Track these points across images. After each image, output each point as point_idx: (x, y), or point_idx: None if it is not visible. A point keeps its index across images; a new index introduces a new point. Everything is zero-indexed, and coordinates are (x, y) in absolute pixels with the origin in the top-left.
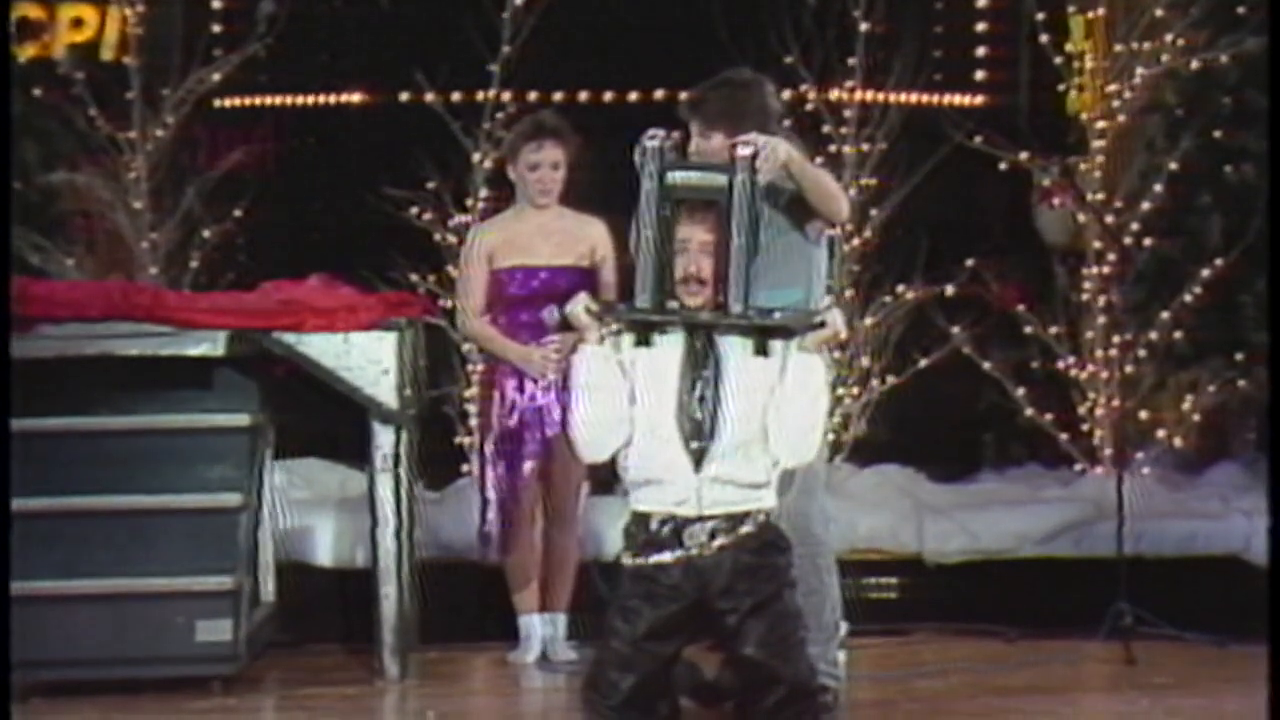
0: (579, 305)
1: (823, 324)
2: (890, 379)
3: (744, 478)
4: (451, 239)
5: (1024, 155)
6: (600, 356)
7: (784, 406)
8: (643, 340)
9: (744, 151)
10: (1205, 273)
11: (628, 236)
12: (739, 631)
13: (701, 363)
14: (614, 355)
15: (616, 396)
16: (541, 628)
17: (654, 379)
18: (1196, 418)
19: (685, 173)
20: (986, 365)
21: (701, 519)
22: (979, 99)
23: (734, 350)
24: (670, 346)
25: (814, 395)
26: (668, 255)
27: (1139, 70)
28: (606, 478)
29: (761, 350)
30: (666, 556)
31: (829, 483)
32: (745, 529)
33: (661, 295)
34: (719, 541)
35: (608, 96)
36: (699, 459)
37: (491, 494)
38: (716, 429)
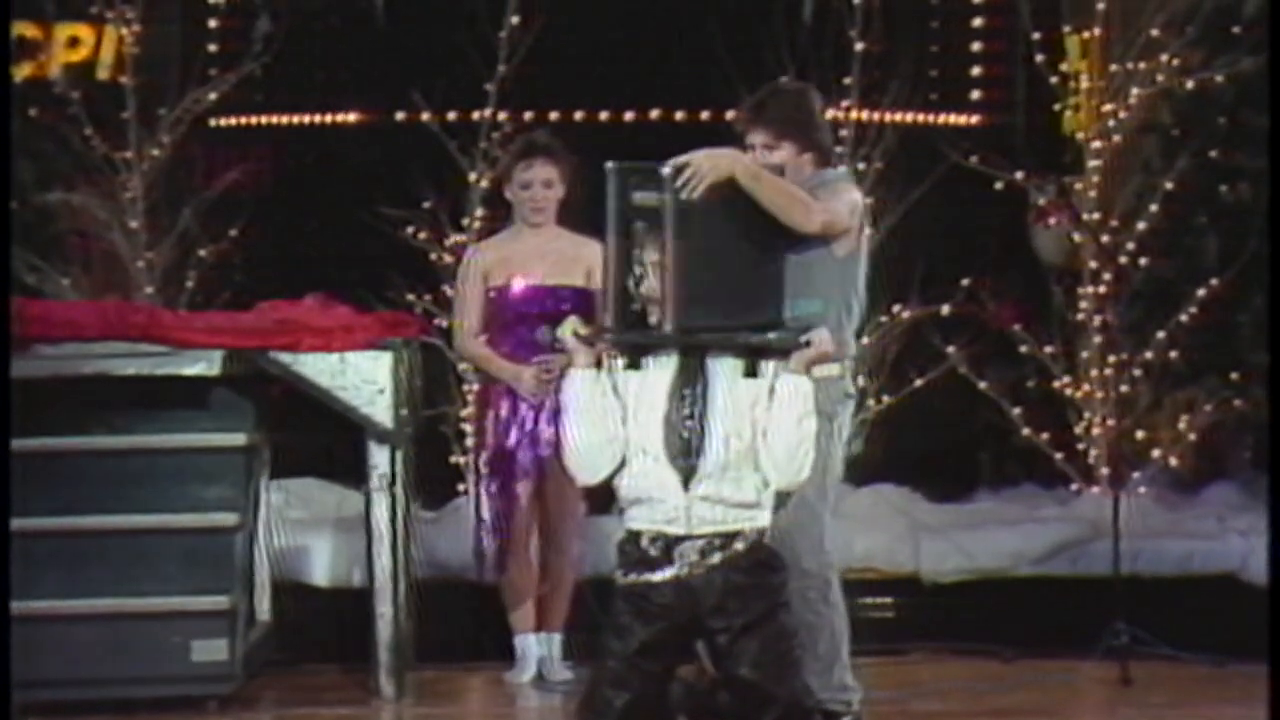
0: (566, 329)
1: (808, 344)
2: (886, 398)
3: (733, 497)
4: (448, 258)
5: (1020, 175)
6: (590, 379)
7: (770, 427)
8: (633, 363)
9: (664, 170)
10: (1201, 292)
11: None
12: (733, 651)
13: (691, 383)
14: (605, 377)
15: (607, 419)
16: (537, 647)
17: (645, 399)
18: (1192, 437)
19: (640, 193)
20: (982, 384)
21: (691, 537)
22: (975, 118)
23: (724, 370)
24: (662, 367)
25: (799, 416)
26: (632, 277)
27: (1135, 90)
28: (603, 497)
29: (751, 371)
30: (658, 575)
31: (834, 510)
32: (736, 548)
33: (624, 317)
34: (709, 560)
35: (604, 116)
36: (687, 478)
37: (487, 513)
38: (704, 448)
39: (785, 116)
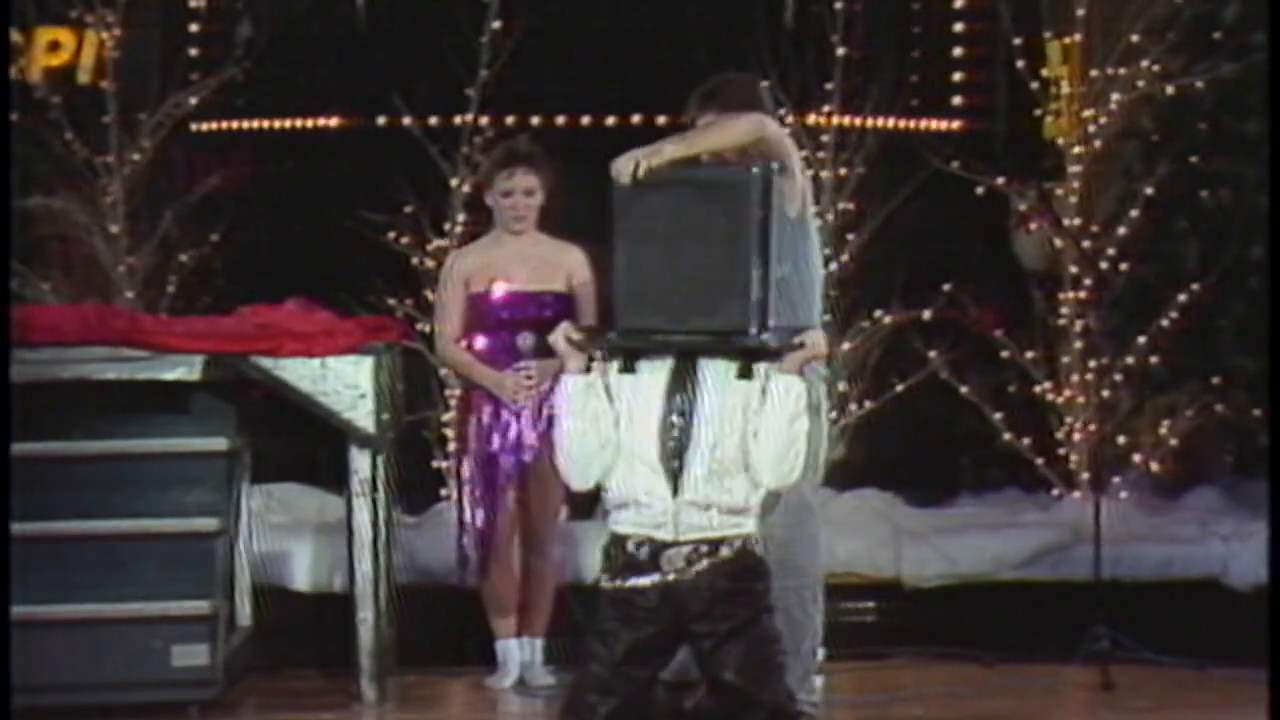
0: (560, 333)
1: (802, 344)
2: (868, 403)
3: (722, 502)
4: (429, 263)
5: (1001, 180)
6: (583, 384)
7: (761, 428)
8: (628, 367)
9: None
10: (1182, 297)
11: (606, 263)
12: (716, 656)
13: (684, 386)
14: (598, 381)
15: (600, 423)
16: (519, 652)
17: (639, 403)
18: (1173, 442)
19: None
20: (964, 389)
21: (678, 543)
22: (956, 124)
23: (716, 373)
24: (656, 371)
25: (791, 416)
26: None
27: (1115, 96)
28: (584, 502)
29: (745, 373)
30: (643, 580)
31: (819, 513)
32: (723, 554)
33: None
34: (696, 566)
35: (585, 120)
36: (676, 482)
37: (469, 518)
38: (694, 452)
39: (736, 100)
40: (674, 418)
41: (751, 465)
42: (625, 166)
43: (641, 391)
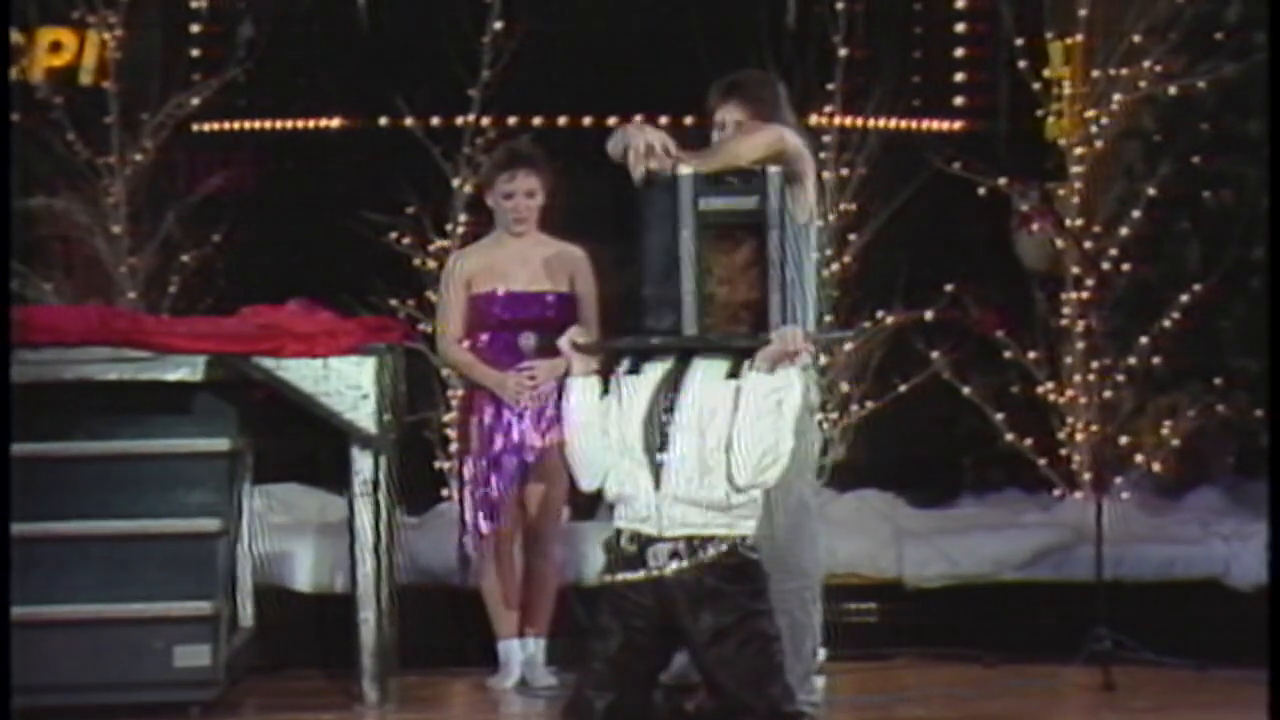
0: (564, 341)
1: (768, 341)
2: (870, 404)
3: (702, 498)
4: (431, 264)
5: (1003, 181)
6: (587, 388)
7: (736, 424)
8: (634, 369)
9: (771, 170)
10: (1184, 298)
11: (607, 263)
12: (710, 658)
13: (673, 385)
14: (602, 384)
15: (608, 424)
16: (520, 652)
17: (633, 400)
18: (1175, 442)
19: (717, 198)
20: (966, 390)
21: (663, 539)
22: (958, 124)
23: (709, 373)
24: (654, 371)
25: (760, 412)
26: (709, 283)
27: (1117, 96)
28: (586, 502)
29: (734, 372)
30: (633, 574)
31: (820, 513)
32: (709, 553)
33: (705, 324)
34: (681, 563)
35: (587, 121)
36: (658, 476)
37: (471, 519)
38: (675, 448)
39: (756, 95)
40: (659, 414)
41: (730, 461)
42: (634, 168)
43: (637, 389)
